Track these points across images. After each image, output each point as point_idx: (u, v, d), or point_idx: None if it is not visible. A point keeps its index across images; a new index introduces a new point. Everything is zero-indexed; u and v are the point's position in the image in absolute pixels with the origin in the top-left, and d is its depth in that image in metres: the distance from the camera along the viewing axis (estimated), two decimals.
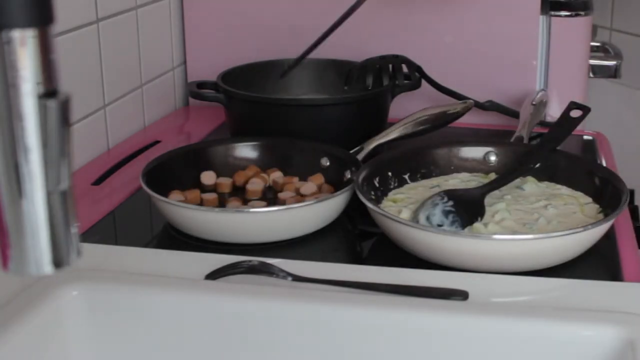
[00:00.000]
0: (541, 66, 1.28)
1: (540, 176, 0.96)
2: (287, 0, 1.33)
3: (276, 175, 0.99)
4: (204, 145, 1.05)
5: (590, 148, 1.20)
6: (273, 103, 1.11)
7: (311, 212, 0.87)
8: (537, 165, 0.96)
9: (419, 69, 1.19)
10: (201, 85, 1.17)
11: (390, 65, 1.16)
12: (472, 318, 0.69)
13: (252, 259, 0.78)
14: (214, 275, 0.76)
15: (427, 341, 0.69)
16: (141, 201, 0.98)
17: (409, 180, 0.96)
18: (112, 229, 0.94)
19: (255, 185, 0.97)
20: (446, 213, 0.85)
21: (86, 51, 1.11)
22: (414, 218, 0.85)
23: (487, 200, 0.89)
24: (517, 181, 0.95)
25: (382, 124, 1.14)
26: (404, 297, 0.72)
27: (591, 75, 1.34)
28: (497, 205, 0.89)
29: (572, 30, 1.27)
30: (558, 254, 0.80)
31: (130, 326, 0.73)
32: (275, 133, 1.06)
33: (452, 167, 0.99)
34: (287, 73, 1.21)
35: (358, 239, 0.95)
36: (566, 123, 1.01)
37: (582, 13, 1.26)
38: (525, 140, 1.08)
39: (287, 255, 0.82)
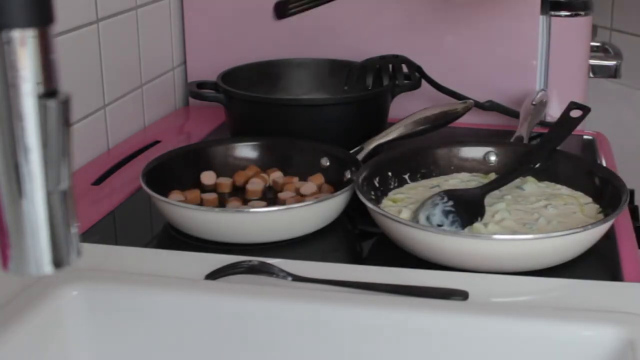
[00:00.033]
0: (541, 66, 1.28)
1: (540, 176, 0.96)
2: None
3: (276, 175, 0.99)
4: (204, 145, 1.05)
5: (590, 148, 1.20)
6: (273, 103, 1.11)
7: (311, 212, 0.87)
8: (537, 165, 0.96)
9: (419, 69, 1.19)
10: (201, 85, 1.17)
11: (390, 65, 1.16)
12: (472, 318, 0.69)
13: (252, 259, 0.78)
14: (214, 275, 0.76)
15: (427, 341, 0.69)
16: (141, 201, 0.98)
17: (409, 180, 0.96)
18: (112, 229, 0.94)
19: (255, 185, 0.97)
20: (446, 213, 0.85)
21: (86, 51, 1.11)
22: (414, 218, 0.85)
23: (487, 200, 0.89)
24: (517, 181, 0.95)
25: (382, 124, 1.14)
26: (404, 297, 0.72)
27: (591, 75, 1.34)
28: (497, 205, 0.89)
29: (572, 30, 1.27)
30: (558, 254, 0.80)
31: (130, 326, 0.73)
32: (275, 133, 1.06)
33: (452, 167, 0.99)
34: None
35: (358, 239, 0.95)
36: (566, 123, 1.01)
37: (582, 13, 1.26)
38: (525, 140, 1.08)
39: (287, 255, 0.82)
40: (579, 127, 1.04)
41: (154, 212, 0.95)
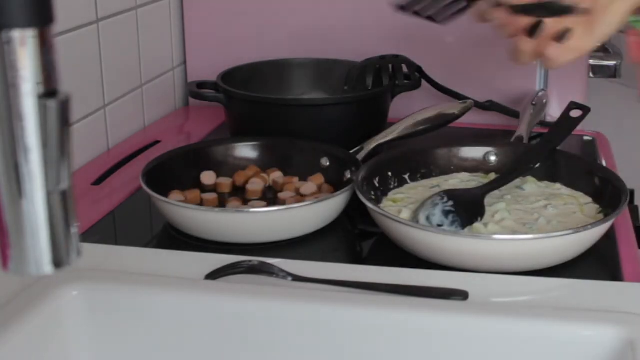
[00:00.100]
0: (541, 66, 1.28)
1: (540, 176, 0.96)
2: (287, 0, 1.33)
3: (276, 175, 0.99)
4: (204, 145, 1.05)
5: (590, 148, 1.20)
6: (273, 103, 1.11)
7: (311, 212, 0.87)
8: (537, 165, 0.96)
9: (419, 69, 1.19)
10: (201, 85, 1.17)
11: (390, 65, 1.16)
12: (472, 318, 0.69)
13: (252, 259, 0.78)
14: (214, 275, 0.76)
15: (427, 341, 0.69)
16: (141, 201, 0.98)
17: (409, 180, 0.96)
18: (112, 229, 0.94)
19: (255, 185, 0.97)
20: (446, 213, 0.85)
21: (86, 51, 1.11)
22: (414, 218, 0.85)
23: (487, 200, 0.89)
24: (517, 181, 0.95)
25: (382, 124, 1.14)
26: (404, 297, 0.72)
27: (591, 75, 1.34)
28: (497, 205, 0.89)
29: None
30: (558, 254, 0.80)
31: (130, 326, 0.73)
32: (275, 133, 1.06)
33: (452, 167, 0.99)
34: None
35: (358, 239, 0.95)
36: (566, 123, 1.02)
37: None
38: (525, 140, 1.08)
39: (287, 255, 0.82)
40: (579, 127, 1.04)
41: (154, 212, 0.95)
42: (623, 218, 0.91)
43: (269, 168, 1.01)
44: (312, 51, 1.30)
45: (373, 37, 1.29)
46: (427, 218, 0.85)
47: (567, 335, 0.68)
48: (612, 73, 1.37)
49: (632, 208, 1.12)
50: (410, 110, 1.10)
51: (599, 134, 1.25)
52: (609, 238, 0.86)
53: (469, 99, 1.16)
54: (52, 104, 0.40)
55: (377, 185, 0.93)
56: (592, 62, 1.33)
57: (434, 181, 0.97)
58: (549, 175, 0.96)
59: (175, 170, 0.97)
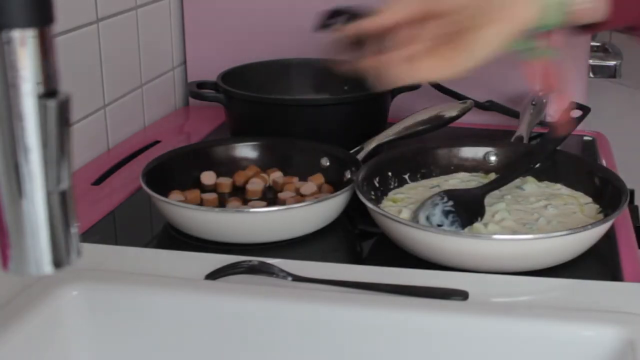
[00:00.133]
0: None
1: (540, 176, 0.96)
2: (287, 0, 1.33)
3: (276, 175, 0.99)
4: (204, 145, 1.05)
5: (590, 148, 1.20)
6: (273, 103, 1.10)
7: (311, 212, 0.87)
8: (537, 165, 0.96)
9: None
10: (201, 85, 1.17)
11: None
12: (472, 318, 0.69)
13: (252, 259, 0.78)
14: (214, 275, 0.76)
15: (427, 341, 0.69)
16: (141, 201, 0.98)
17: (409, 180, 0.96)
18: (112, 229, 0.94)
19: (255, 185, 0.97)
20: (446, 213, 0.85)
21: (86, 51, 1.11)
22: (414, 218, 0.85)
23: (487, 200, 0.89)
24: (517, 181, 0.95)
25: (382, 124, 1.14)
26: (404, 297, 0.72)
27: (591, 75, 1.34)
28: (497, 205, 0.89)
29: None
30: (558, 254, 0.80)
31: (130, 326, 0.73)
32: (275, 133, 1.06)
33: (452, 167, 0.99)
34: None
35: (358, 239, 0.95)
36: None
37: None
38: (525, 140, 1.08)
39: (287, 255, 0.81)
40: (579, 127, 1.03)
41: (154, 212, 0.95)
42: (623, 218, 0.91)
43: (269, 168, 1.01)
44: (312, 51, 1.29)
45: None
46: (427, 218, 0.85)
47: (567, 335, 0.68)
48: (612, 73, 1.37)
49: (632, 208, 1.12)
50: (410, 110, 1.09)
51: (599, 134, 1.25)
52: (609, 238, 0.86)
53: (469, 99, 1.16)
54: (52, 104, 0.40)
55: (377, 185, 0.93)
56: (592, 62, 1.33)
57: (434, 181, 0.97)
58: (549, 175, 0.96)
59: (175, 170, 0.97)
